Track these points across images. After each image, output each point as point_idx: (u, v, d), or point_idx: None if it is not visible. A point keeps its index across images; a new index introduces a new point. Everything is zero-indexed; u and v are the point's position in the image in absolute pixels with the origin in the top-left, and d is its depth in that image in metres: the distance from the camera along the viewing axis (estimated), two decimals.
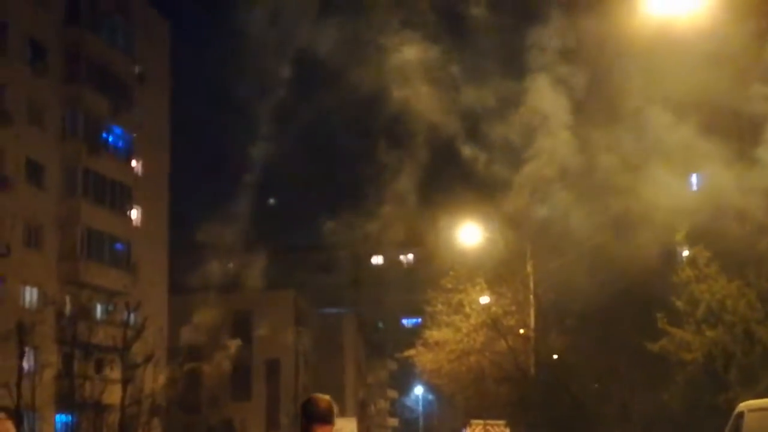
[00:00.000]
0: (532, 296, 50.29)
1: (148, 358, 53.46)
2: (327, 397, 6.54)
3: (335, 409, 6.48)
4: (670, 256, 39.41)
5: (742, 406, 21.91)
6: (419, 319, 69.27)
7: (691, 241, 36.23)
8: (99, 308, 57.91)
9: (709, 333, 34.21)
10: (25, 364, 48.30)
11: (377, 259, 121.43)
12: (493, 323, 54.40)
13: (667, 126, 36.35)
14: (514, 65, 38.93)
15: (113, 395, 53.08)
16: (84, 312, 54.47)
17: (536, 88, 38.50)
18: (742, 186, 38.73)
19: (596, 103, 39.56)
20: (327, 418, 6.41)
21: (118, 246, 59.44)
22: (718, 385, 33.53)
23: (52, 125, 55.35)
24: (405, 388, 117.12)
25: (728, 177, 39.22)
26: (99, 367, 55.81)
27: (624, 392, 44.36)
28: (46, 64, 55.38)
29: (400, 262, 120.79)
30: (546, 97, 39.02)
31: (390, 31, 36.24)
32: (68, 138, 56.00)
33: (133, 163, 62.00)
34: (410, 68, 38.79)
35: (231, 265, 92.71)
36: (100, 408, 52.75)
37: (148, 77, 64.31)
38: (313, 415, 6.40)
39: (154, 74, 65.19)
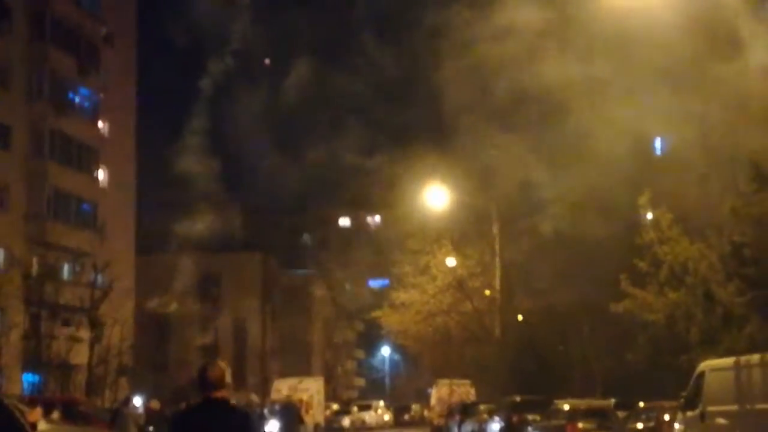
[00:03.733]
0: (497, 258, 50.81)
1: (115, 319, 53.53)
2: (221, 364, 7.17)
3: (228, 374, 7.10)
4: (633, 219, 39.94)
5: (703, 366, 22.34)
6: (386, 281, 69.64)
7: (654, 203, 36.76)
8: (66, 268, 57.78)
9: (671, 294, 34.83)
10: None
11: (344, 221, 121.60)
12: (459, 285, 54.96)
13: (631, 91, 36.74)
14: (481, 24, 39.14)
15: (80, 355, 53.12)
16: (51, 272, 54.30)
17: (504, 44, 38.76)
18: (704, 150, 39.26)
19: (564, 65, 39.76)
20: (218, 386, 7.05)
21: (85, 207, 59.28)
22: (680, 346, 34.14)
23: (17, 85, 54.96)
24: (372, 349, 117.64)
25: (691, 141, 39.73)
26: (66, 327, 55.78)
27: (587, 352, 45.00)
28: (10, 23, 54.91)
29: (367, 224, 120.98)
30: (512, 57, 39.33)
31: None
32: (34, 98, 55.65)
33: (100, 124, 61.68)
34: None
35: (199, 226, 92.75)
36: (67, 367, 52.78)
37: (115, 38, 63.85)
38: (207, 385, 7.06)
39: (120, 35, 64.71)
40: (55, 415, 29.31)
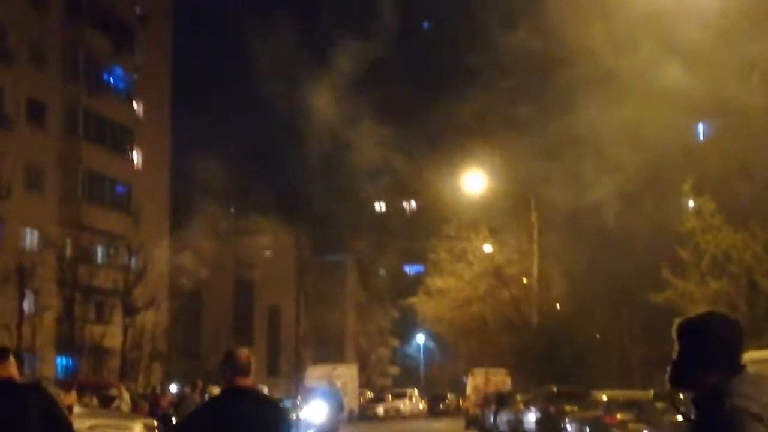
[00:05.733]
0: (535, 245, 50.13)
1: (149, 303, 53.34)
2: (246, 350, 6.91)
3: (253, 362, 6.82)
4: (676, 206, 39.23)
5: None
6: (422, 267, 69.18)
7: (697, 191, 36.05)
8: (100, 251, 57.70)
9: (713, 284, 34.09)
10: (26, 307, 48.20)
11: (380, 206, 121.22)
12: (496, 272, 54.36)
13: (675, 76, 35.99)
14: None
15: (114, 339, 53.04)
16: (85, 255, 54.27)
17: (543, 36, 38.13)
18: (748, 137, 38.43)
19: (605, 52, 39.01)
20: (247, 371, 6.76)
21: (119, 188, 59.12)
22: None
23: (53, 65, 54.87)
24: (406, 336, 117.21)
25: (735, 127, 38.91)
26: (100, 310, 55.69)
27: (625, 343, 44.27)
28: (47, 3, 54.78)
29: (402, 209, 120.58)
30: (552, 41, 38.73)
31: None
32: (69, 78, 55.51)
33: (135, 104, 61.50)
34: None
35: (233, 209, 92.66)
36: (100, 351, 52.71)
37: (150, 18, 63.63)
38: (235, 368, 6.71)
39: (155, 15, 64.50)
40: (91, 399, 29.12)
